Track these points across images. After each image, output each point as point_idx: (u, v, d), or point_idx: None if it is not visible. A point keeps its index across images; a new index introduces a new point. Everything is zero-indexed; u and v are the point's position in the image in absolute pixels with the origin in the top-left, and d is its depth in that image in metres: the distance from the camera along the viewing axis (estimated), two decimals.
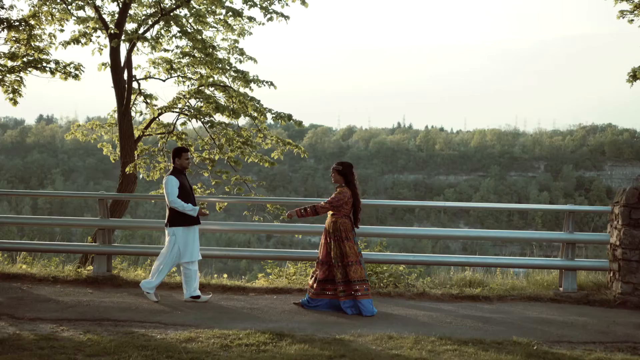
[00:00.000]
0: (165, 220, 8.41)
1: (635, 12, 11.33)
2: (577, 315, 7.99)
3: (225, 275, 10.27)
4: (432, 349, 6.16)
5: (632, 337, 6.94)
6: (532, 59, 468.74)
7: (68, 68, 11.91)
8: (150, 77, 12.61)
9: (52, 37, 12.08)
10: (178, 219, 8.26)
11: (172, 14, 11.69)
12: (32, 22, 11.76)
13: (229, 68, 12.13)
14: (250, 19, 12.21)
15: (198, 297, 8.34)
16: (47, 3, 11.71)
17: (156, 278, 8.36)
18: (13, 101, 12.07)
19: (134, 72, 12.24)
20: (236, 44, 12.66)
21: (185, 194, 8.30)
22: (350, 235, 7.94)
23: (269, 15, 11.69)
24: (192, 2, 11.77)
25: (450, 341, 6.47)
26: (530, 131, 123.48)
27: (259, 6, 11.76)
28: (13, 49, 11.85)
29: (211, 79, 12.23)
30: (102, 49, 12.08)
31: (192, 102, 12.24)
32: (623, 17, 11.49)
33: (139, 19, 12.34)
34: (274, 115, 12.02)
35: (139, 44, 12.04)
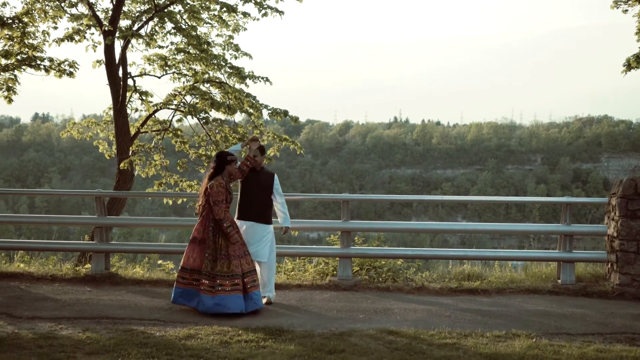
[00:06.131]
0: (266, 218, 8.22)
1: (630, 2, 11.32)
2: (575, 307, 8.00)
3: None
4: (431, 343, 6.16)
5: (630, 328, 6.95)
6: (528, 52, 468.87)
7: (62, 65, 11.86)
8: (145, 74, 12.56)
9: (46, 35, 12.03)
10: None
11: (166, 10, 11.63)
12: (26, 19, 11.70)
13: (224, 64, 12.08)
14: (245, 14, 12.17)
15: None
16: (40, 0, 11.66)
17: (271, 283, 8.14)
18: (8, 99, 12.03)
19: (129, 69, 12.20)
20: (231, 40, 12.62)
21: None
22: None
23: (263, 11, 11.65)
24: None
25: (449, 335, 6.47)
26: (526, 124, 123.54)
27: (253, 1, 11.72)
28: (7, 47, 11.80)
29: (206, 75, 12.19)
30: (96, 46, 12.02)
31: (188, 98, 12.21)
32: (617, 7, 11.48)
33: (133, 15, 12.29)
34: (270, 112, 11.99)
35: (133, 41, 11.98)
